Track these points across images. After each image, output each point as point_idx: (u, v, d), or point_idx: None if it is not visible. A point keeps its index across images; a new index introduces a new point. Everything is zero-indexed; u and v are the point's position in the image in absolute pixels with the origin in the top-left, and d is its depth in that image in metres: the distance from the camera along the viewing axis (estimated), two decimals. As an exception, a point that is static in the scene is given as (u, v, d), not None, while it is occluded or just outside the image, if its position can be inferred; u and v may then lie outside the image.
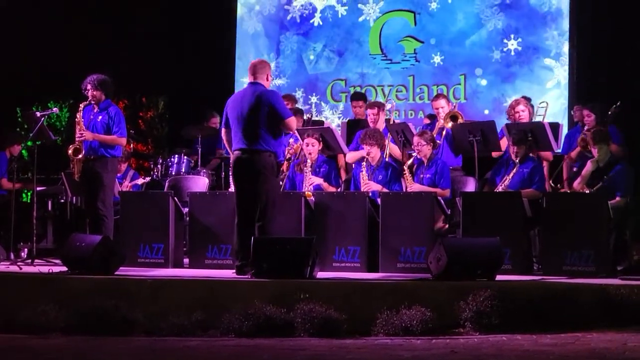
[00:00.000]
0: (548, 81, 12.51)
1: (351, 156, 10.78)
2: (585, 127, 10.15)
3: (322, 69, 13.38)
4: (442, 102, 10.77)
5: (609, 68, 12.02)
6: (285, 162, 10.57)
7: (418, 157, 10.09)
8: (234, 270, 8.90)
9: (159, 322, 7.75)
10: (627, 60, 11.93)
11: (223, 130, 9.11)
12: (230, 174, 9.07)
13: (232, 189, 9.65)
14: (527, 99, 10.98)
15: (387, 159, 10.35)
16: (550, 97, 12.42)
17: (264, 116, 8.77)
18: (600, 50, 12.21)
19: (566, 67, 12.45)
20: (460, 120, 10.47)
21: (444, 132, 10.51)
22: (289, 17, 13.60)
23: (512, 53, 12.66)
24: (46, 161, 11.96)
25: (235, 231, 8.89)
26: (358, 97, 12.00)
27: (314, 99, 13.40)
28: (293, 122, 9.03)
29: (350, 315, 7.52)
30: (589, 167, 9.31)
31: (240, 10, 13.77)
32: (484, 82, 12.77)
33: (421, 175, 10.03)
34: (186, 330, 7.64)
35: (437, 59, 12.94)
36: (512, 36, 12.67)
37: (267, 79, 9.01)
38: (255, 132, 8.77)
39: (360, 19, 13.28)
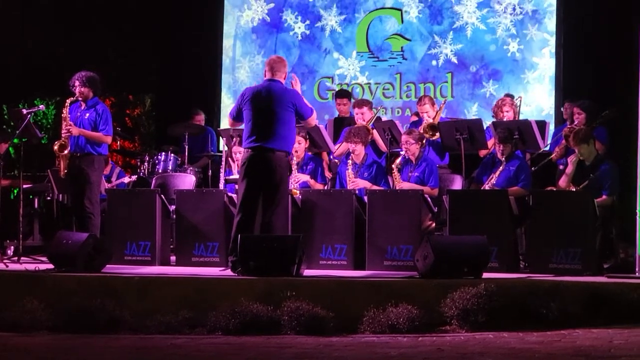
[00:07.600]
0: (535, 78, 12.52)
1: (338, 152, 10.78)
2: (575, 123, 10.12)
3: (309, 66, 13.36)
4: (426, 107, 10.78)
5: (596, 65, 12.02)
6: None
7: (406, 155, 10.09)
8: (224, 268, 8.88)
9: (146, 320, 7.74)
10: (614, 57, 11.93)
11: (231, 120, 9.05)
12: (243, 168, 8.80)
13: (224, 185, 9.62)
14: (511, 96, 11.00)
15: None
16: (537, 94, 12.44)
17: (286, 116, 8.74)
18: (587, 47, 12.21)
19: (553, 64, 12.45)
20: (437, 132, 10.47)
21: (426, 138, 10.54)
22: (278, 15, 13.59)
23: (500, 50, 12.66)
24: (32, 158, 11.91)
25: (234, 226, 8.78)
26: (343, 94, 11.99)
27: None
28: (314, 119, 9.14)
29: (337, 313, 7.52)
30: (572, 165, 9.33)
31: (227, 7, 13.74)
32: (470, 79, 12.76)
33: (409, 174, 10.03)
34: (173, 328, 7.62)
35: (424, 56, 12.93)
36: (500, 34, 12.67)
37: (285, 77, 8.97)
38: (274, 131, 8.70)
39: (348, 17, 13.27)
